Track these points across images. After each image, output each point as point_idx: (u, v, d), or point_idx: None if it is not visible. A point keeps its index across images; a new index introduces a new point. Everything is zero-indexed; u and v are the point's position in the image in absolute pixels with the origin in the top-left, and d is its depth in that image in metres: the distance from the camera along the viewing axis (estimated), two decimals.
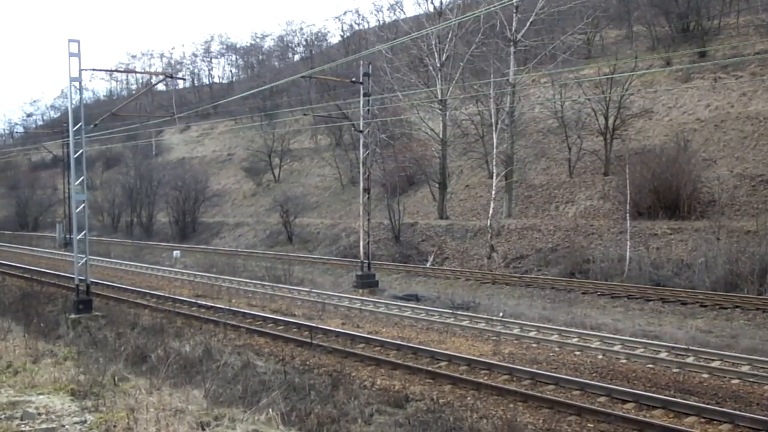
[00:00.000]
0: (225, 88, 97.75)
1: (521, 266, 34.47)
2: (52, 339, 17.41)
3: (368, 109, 30.74)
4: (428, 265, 37.33)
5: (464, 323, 20.70)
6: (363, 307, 23.85)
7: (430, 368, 15.25)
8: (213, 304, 24.17)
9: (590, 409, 12.33)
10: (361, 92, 29.99)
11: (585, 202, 39.07)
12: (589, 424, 11.75)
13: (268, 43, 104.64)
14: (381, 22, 78.50)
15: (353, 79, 31.46)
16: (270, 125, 68.98)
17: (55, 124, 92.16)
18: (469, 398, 13.32)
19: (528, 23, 39.64)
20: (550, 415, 12.22)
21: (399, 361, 15.87)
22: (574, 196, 40.07)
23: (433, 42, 42.54)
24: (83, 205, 22.55)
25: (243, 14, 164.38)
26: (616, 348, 17.11)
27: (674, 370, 15.07)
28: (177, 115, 47.15)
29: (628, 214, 32.34)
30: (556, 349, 17.35)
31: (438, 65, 42.62)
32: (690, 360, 15.76)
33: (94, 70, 24.15)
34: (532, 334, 19.00)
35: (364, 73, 29.77)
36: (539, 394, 13.23)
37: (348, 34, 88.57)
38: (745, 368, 15.00)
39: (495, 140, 38.82)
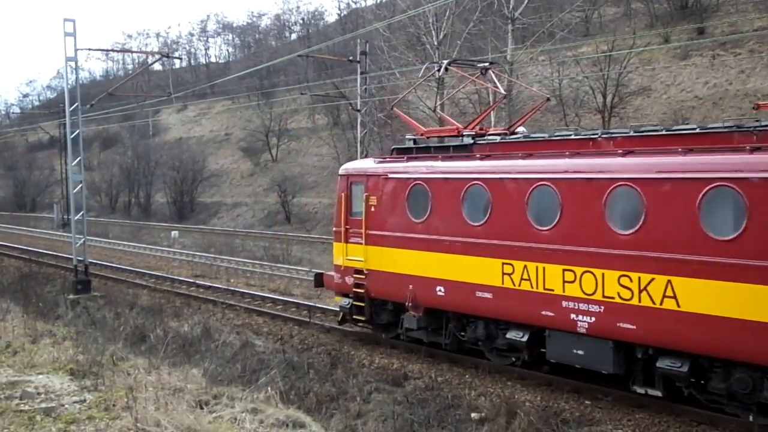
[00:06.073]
0: (222, 68, 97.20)
1: None
2: (50, 319, 17.49)
3: (365, 88, 30.61)
4: None
5: None
6: None
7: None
8: (211, 284, 24.21)
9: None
10: (359, 71, 29.89)
11: None
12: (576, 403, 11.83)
13: (265, 22, 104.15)
14: (378, 1, 77.92)
15: (350, 58, 31.31)
16: (267, 105, 68.67)
17: (52, 105, 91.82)
18: (467, 376, 13.38)
19: (526, 1, 39.33)
20: (547, 393, 12.30)
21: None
22: None
23: (431, 20, 42.10)
24: (81, 185, 22.53)
25: None
26: None
27: None
28: (174, 95, 46.75)
29: None
30: None
31: (435, 44, 42.26)
32: None
33: (90, 49, 24.13)
34: None
35: (361, 51, 29.65)
36: (537, 373, 13.31)
37: (345, 12, 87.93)
38: None
39: (492, 119, 38.67)
